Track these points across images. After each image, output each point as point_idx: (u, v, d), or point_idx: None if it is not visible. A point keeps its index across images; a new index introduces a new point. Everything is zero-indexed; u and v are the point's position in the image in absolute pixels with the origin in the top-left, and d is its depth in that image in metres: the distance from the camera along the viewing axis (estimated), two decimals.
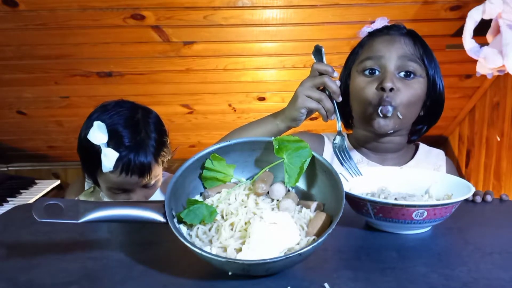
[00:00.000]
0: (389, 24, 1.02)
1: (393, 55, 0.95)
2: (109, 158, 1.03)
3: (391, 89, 0.92)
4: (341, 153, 0.86)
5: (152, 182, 1.14)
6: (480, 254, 0.64)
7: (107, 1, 1.69)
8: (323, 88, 0.87)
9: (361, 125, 1.04)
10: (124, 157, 1.05)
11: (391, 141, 1.03)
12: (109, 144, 1.05)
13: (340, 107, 0.88)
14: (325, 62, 0.87)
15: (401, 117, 0.95)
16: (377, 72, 0.96)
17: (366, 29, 1.03)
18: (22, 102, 2.26)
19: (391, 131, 0.97)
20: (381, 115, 0.94)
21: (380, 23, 1.02)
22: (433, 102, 1.02)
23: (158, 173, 1.14)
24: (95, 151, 1.05)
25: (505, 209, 0.88)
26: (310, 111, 0.88)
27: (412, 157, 1.08)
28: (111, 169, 1.04)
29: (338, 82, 0.85)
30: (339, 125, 0.88)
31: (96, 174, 1.11)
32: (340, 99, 0.86)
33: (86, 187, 1.24)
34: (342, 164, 0.85)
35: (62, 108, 2.30)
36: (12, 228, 0.76)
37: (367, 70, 0.97)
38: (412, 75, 0.96)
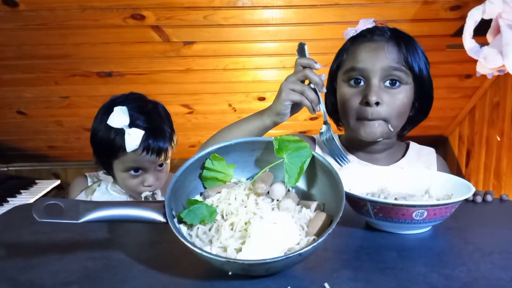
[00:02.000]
0: (372, 27, 1.01)
1: (377, 66, 0.94)
2: (133, 137, 1.10)
3: (377, 103, 0.93)
4: (328, 142, 0.89)
5: (166, 164, 1.22)
6: (480, 254, 0.64)
7: (107, 1, 1.69)
8: (309, 82, 0.88)
9: (349, 130, 1.05)
10: (145, 138, 1.12)
11: (381, 142, 1.03)
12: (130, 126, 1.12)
13: (331, 109, 0.89)
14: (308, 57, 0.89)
15: (392, 129, 0.97)
16: (362, 83, 0.96)
17: (350, 31, 1.02)
18: (22, 102, 2.26)
19: (380, 139, 0.99)
20: (367, 122, 0.95)
21: (363, 24, 1.01)
22: (422, 100, 1.02)
23: (170, 155, 1.22)
24: (111, 137, 1.12)
25: (505, 209, 0.88)
26: (295, 106, 0.90)
27: (403, 156, 1.08)
28: (137, 147, 1.11)
29: (324, 76, 0.87)
30: (325, 115, 0.90)
31: (113, 159, 1.17)
32: (324, 90, 0.88)
33: (89, 183, 1.26)
34: (330, 154, 0.87)
35: (62, 108, 2.30)
36: (12, 228, 0.76)
37: (352, 80, 0.97)
38: (397, 84, 0.96)
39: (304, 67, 0.88)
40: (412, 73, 0.96)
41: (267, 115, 0.93)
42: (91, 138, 1.19)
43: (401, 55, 0.95)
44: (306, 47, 0.91)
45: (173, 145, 1.23)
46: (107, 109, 1.14)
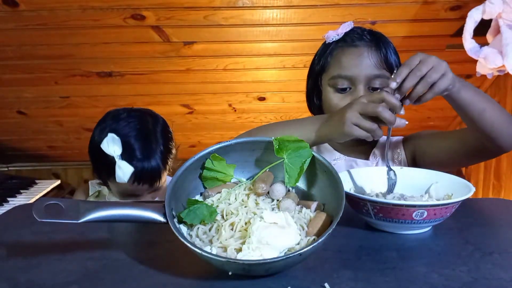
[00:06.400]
0: (350, 30, 1.04)
1: (362, 75, 0.99)
2: (123, 171, 1.07)
3: None
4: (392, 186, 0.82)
5: (161, 185, 1.18)
6: (480, 254, 0.64)
7: (107, 1, 1.69)
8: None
9: None
10: (137, 168, 1.09)
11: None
12: (122, 156, 1.08)
13: (316, 107, 0.96)
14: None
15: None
16: (348, 89, 1.01)
17: (332, 35, 1.05)
18: (22, 102, 2.26)
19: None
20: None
21: (344, 28, 1.04)
22: None
23: (164, 179, 1.19)
24: (108, 159, 1.08)
25: (505, 209, 0.88)
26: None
27: (375, 146, 1.12)
28: (125, 181, 1.07)
29: (404, 121, 0.79)
30: (388, 162, 0.83)
31: (108, 179, 1.15)
32: (404, 124, 0.80)
33: (90, 192, 1.25)
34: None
35: (62, 108, 2.30)
36: (12, 228, 0.76)
37: (339, 86, 1.01)
38: (380, 89, 0.98)
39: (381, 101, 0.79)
40: (391, 72, 1.02)
41: (325, 136, 0.86)
42: (89, 149, 1.16)
43: (381, 57, 1.01)
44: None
45: (168, 166, 1.18)
46: (102, 127, 1.12)
